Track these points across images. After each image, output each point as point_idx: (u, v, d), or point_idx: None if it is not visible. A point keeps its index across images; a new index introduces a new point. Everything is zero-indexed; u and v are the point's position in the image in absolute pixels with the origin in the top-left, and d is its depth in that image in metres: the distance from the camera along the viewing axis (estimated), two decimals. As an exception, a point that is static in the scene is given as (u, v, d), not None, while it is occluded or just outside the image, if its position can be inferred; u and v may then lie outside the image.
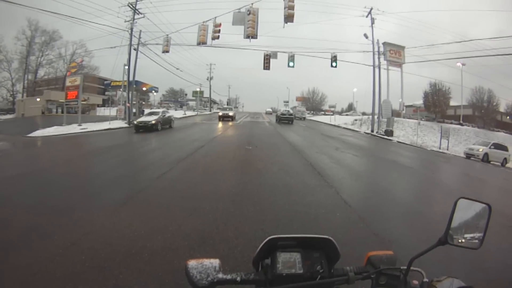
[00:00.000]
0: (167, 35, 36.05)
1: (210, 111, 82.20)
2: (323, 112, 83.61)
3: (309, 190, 8.84)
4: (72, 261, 4.37)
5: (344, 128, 42.62)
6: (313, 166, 12.45)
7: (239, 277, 1.20)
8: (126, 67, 37.12)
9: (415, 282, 1.24)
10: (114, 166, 12.17)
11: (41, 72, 61.41)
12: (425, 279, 1.22)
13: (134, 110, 41.58)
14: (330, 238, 1.29)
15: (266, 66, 35.03)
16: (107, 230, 5.53)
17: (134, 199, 7.49)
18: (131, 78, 37.22)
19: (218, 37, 31.25)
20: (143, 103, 60.63)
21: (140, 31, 37.16)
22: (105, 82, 53.44)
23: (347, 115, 74.00)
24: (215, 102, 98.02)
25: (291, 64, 34.81)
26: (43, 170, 11.33)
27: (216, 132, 25.91)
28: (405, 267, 1.24)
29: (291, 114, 43.10)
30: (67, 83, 34.00)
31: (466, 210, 1.26)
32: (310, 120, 58.08)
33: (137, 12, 36.18)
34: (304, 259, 1.26)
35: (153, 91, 64.46)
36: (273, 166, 12.09)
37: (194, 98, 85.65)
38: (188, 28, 56.78)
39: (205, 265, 1.17)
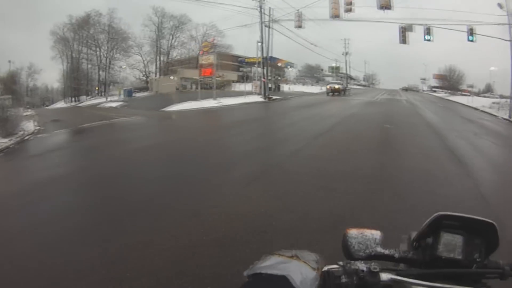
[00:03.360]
0: (298, 10, 35.40)
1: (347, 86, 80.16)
2: (460, 92, 76.43)
3: (449, 179, 7.82)
4: (191, 232, 4.38)
5: (481, 111, 38.29)
6: (453, 151, 11.12)
7: (397, 253, 1.12)
8: (260, 43, 37.56)
9: None
10: (251, 138, 12.27)
11: (173, 53, 63.61)
12: None
13: (270, 85, 42.24)
14: (494, 223, 1.12)
15: (402, 40, 32.84)
16: (233, 205, 5.43)
17: (266, 173, 7.36)
18: (265, 54, 37.65)
19: (350, 10, 30.14)
20: (279, 78, 61.12)
21: (270, 8, 37.40)
22: (239, 59, 54.59)
23: (484, 96, 66.88)
24: (351, 78, 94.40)
25: (427, 37, 32.12)
26: (175, 142, 11.87)
27: (354, 108, 24.83)
28: None
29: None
30: (201, 61, 35.57)
31: None
32: (448, 100, 53.55)
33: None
34: (466, 244, 1.12)
35: (289, 67, 64.51)
36: (412, 148, 11.14)
37: (330, 73, 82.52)
38: (319, 1, 55.39)
39: (366, 235, 1.11)
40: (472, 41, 32.21)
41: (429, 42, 32.84)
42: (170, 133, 14.80)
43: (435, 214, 1.11)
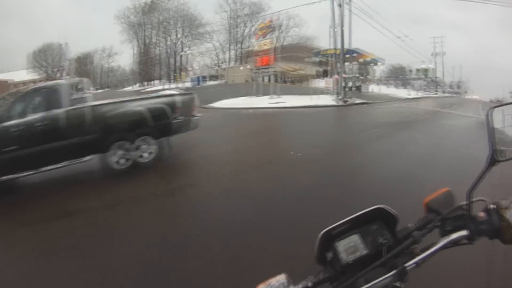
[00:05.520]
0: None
1: (436, 93, 62.53)
2: None
3: None
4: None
5: None
6: None
7: (310, 282, 1.09)
8: (333, 29, 29.45)
9: (481, 214, 1.07)
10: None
11: (249, 42, 60.98)
12: (491, 206, 1.07)
13: (350, 84, 34.93)
14: (381, 206, 1.17)
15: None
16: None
17: None
18: (340, 43, 29.31)
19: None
20: (362, 77, 52.27)
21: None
22: (314, 50, 47.67)
23: None
24: (438, 84, 77.91)
25: None
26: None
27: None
28: (466, 202, 1.10)
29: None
30: (257, 47, 29.17)
31: (504, 117, 1.11)
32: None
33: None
34: (364, 237, 1.14)
35: (377, 63, 54.79)
36: None
37: (417, 77, 69.19)
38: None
39: (273, 285, 1.05)
40: None
41: None
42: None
43: (319, 235, 1.12)
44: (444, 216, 1.11)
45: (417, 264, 1.02)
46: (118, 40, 68.81)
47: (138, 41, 60.36)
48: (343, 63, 29.22)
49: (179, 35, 60.70)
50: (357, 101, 28.06)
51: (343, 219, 1.12)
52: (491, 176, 1.06)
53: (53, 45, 52.68)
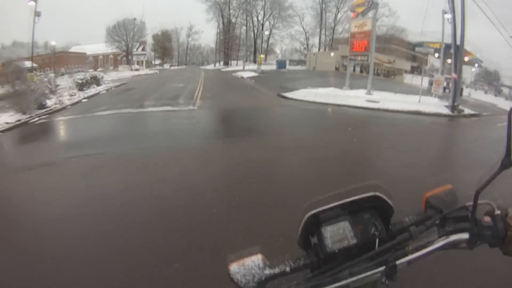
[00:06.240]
0: None
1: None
2: None
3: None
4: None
5: None
6: None
7: (288, 266, 1.02)
8: (446, 16, 23.38)
9: (487, 219, 1.00)
10: None
11: (339, 28, 58.38)
12: (497, 212, 1.00)
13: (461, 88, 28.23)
14: (377, 194, 1.07)
15: None
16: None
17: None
18: (454, 38, 23.34)
19: None
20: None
21: None
22: (414, 44, 42.21)
23: None
24: None
25: None
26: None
27: None
28: (471, 203, 1.01)
29: None
30: (352, 29, 24.47)
31: None
32: None
33: None
34: (355, 225, 1.05)
35: (476, 64, 48.16)
36: None
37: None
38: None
39: (247, 265, 1.00)
40: None
41: None
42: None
43: (306, 216, 1.03)
44: (446, 214, 1.02)
45: (409, 263, 0.96)
46: (203, 18, 68.25)
47: (222, 18, 60.38)
48: (457, 61, 23.52)
49: (262, 16, 60.05)
50: (468, 110, 22.19)
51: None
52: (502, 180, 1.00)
53: (131, 20, 53.80)
